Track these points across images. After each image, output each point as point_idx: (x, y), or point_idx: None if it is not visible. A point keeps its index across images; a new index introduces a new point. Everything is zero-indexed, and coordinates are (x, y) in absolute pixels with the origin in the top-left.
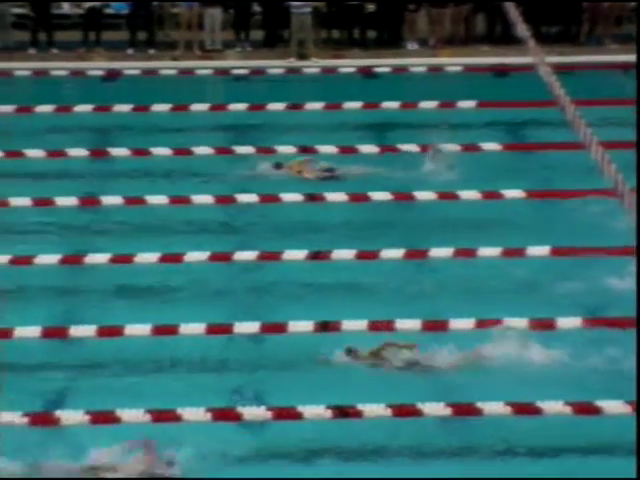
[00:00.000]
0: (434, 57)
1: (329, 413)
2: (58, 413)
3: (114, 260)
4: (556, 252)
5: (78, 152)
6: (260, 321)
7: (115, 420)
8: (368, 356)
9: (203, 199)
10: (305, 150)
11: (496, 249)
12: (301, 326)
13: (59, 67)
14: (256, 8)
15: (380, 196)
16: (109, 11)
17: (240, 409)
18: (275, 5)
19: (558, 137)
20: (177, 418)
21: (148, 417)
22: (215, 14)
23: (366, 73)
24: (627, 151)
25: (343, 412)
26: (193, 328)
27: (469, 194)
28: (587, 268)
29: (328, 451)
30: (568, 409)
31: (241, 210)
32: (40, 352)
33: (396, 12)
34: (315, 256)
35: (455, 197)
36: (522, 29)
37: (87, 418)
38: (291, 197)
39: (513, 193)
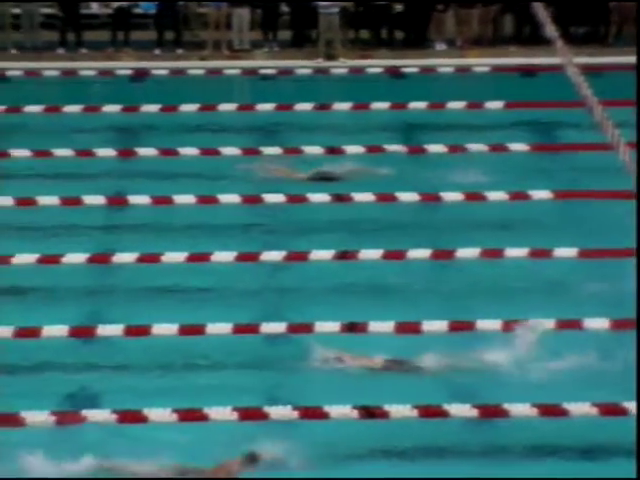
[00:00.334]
0: (462, 57)
1: (355, 413)
2: (85, 412)
3: (141, 259)
4: (583, 253)
5: (106, 152)
6: (286, 321)
7: (142, 419)
8: (352, 359)
9: (230, 199)
10: (332, 151)
11: (523, 250)
12: (327, 326)
13: (87, 67)
14: (284, 8)
15: (407, 197)
16: (137, 11)
17: (267, 409)
18: (303, 5)
19: (586, 138)
20: (204, 418)
21: (175, 416)
22: (243, 14)
23: (394, 73)
24: None
25: (369, 413)
26: (220, 328)
27: (496, 195)
28: (614, 269)
29: (355, 450)
30: (595, 410)
31: (268, 210)
32: (68, 351)
33: (424, 12)
34: (342, 256)
35: (482, 198)
36: (550, 30)
37: (114, 417)
38: (318, 197)
39: (540, 194)
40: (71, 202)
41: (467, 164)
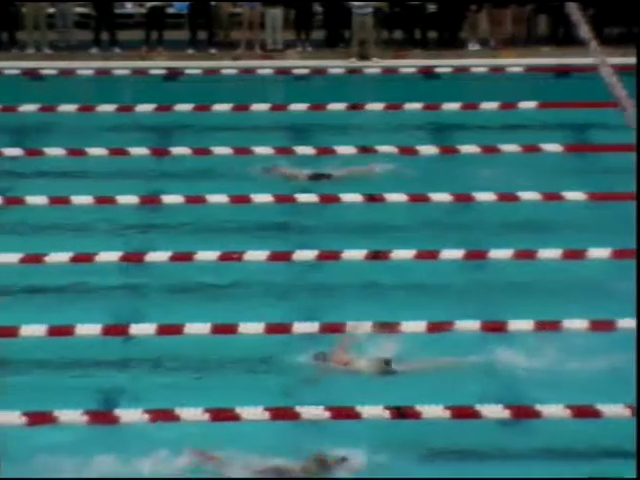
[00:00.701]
0: (495, 58)
1: (387, 413)
2: (117, 411)
3: (174, 258)
4: (617, 254)
5: (139, 151)
6: (319, 321)
7: (174, 418)
8: (335, 360)
9: (263, 198)
10: (365, 150)
11: (556, 251)
12: (360, 326)
13: (121, 66)
14: (317, 8)
15: (440, 197)
16: (171, 11)
17: (298, 408)
18: (336, 5)
19: (619, 138)
20: (236, 417)
21: (207, 416)
22: (276, 14)
23: (427, 74)
24: None
25: (401, 413)
26: (252, 327)
27: (529, 195)
28: None
29: (385, 449)
30: (627, 412)
31: (301, 210)
32: (101, 350)
33: (458, 12)
34: (375, 256)
35: (515, 198)
36: (584, 30)
37: (147, 417)
38: (351, 197)
39: (573, 195)
40: (104, 201)
41: (500, 164)
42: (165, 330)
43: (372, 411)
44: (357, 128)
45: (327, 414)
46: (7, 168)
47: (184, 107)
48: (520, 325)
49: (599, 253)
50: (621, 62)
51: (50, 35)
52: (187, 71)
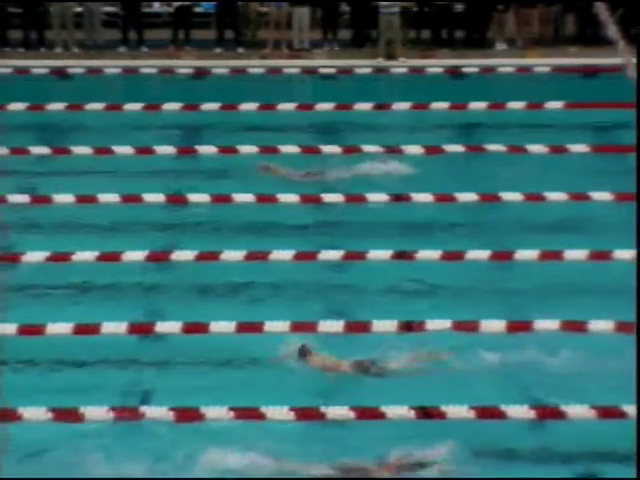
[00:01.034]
0: (522, 57)
1: (412, 413)
2: (143, 409)
3: (200, 258)
4: None
5: (166, 150)
6: (344, 320)
7: (199, 417)
8: (317, 360)
9: (289, 198)
10: (392, 150)
11: (583, 251)
12: (385, 326)
13: (148, 65)
14: (344, 8)
15: (466, 197)
16: (198, 10)
17: (323, 409)
18: (363, 5)
19: None
20: (260, 416)
21: (232, 414)
22: (303, 13)
23: (454, 73)
24: None
25: (426, 413)
26: (277, 326)
27: (555, 196)
28: None
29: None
30: None
31: (327, 209)
32: (126, 348)
33: (485, 12)
34: (400, 256)
35: (541, 198)
36: (612, 30)
37: (171, 415)
38: (377, 197)
39: (600, 195)
40: (131, 200)
41: (526, 164)
42: (191, 328)
43: (397, 411)
44: (383, 128)
45: (352, 414)
46: (34, 166)
47: (211, 106)
48: (546, 325)
49: (625, 254)
50: None
51: (78, 34)
52: (214, 70)
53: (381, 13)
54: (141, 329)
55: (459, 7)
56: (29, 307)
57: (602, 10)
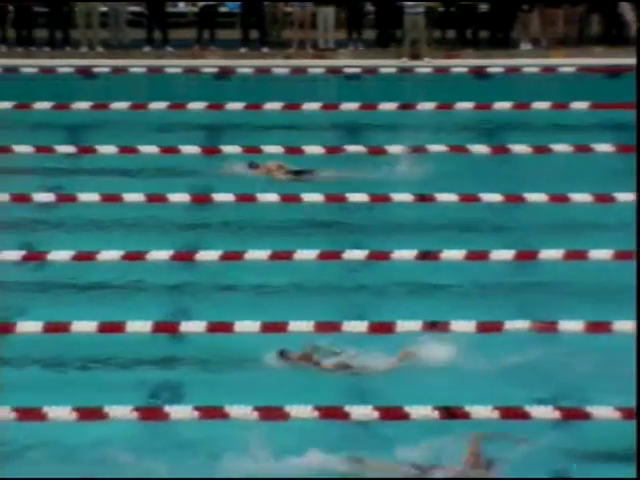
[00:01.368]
0: (547, 58)
1: (436, 414)
2: (168, 408)
3: (224, 257)
4: None
5: (190, 149)
6: (368, 320)
7: (224, 416)
8: (298, 358)
9: (314, 197)
10: (416, 150)
11: (607, 251)
12: (409, 326)
13: (173, 65)
14: (369, 7)
15: (491, 197)
16: (223, 9)
17: (347, 408)
18: (388, 5)
19: None
20: (284, 416)
21: (256, 414)
22: (328, 13)
23: (478, 73)
24: None
25: (451, 413)
26: (301, 326)
27: (580, 196)
28: None
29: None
30: None
31: (351, 209)
32: (151, 347)
33: (509, 12)
34: (425, 256)
35: (566, 199)
36: (635, 30)
37: (196, 414)
38: (401, 197)
39: (625, 195)
40: (156, 199)
41: (551, 165)
42: (215, 328)
43: (421, 411)
44: (408, 128)
45: (376, 414)
46: (60, 165)
47: (235, 106)
48: (570, 326)
49: None
50: None
51: (103, 33)
52: (239, 70)
53: (406, 13)
54: (165, 328)
55: (484, 7)
56: (54, 306)
57: (627, 10)
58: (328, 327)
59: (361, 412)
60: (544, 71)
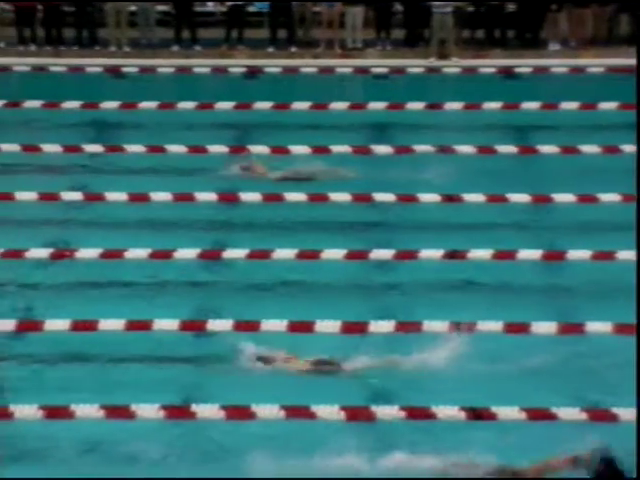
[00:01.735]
0: (576, 58)
1: (462, 415)
2: (194, 407)
3: (251, 256)
4: None
5: (218, 148)
6: (395, 320)
7: (250, 416)
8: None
9: (341, 197)
10: (443, 150)
11: (635, 252)
12: (435, 326)
13: (201, 64)
14: (397, 7)
15: (518, 197)
16: (251, 9)
17: (373, 408)
18: (416, 4)
19: None
20: (311, 415)
21: (283, 413)
22: (356, 13)
23: (507, 73)
24: None
25: (477, 414)
26: (328, 325)
27: (608, 196)
28: None
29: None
30: None
31: (378, 208)
32: (178, 345)
33: (538, 12)
34: (452, 255)
35: (594, 199)
36: None
37: (222, 413)
38: (428, 197)
39: None
40: (183, 198)
41: (579, 165)
42: (242, 327)
43: (447, 412)
44: (436, 127)
45: (402, 414)
46: (88, 164)
47: (263, 105)
48: (598, 327)
49: None
50: None
51: (132, 33)
52: (267, 69)
53: (434, 13)
54: (192, 326)
55: (512, 7)
56: (82, 304)
57: None
58: (355, 327)
59: (385, 412)
60: (573, 71)
